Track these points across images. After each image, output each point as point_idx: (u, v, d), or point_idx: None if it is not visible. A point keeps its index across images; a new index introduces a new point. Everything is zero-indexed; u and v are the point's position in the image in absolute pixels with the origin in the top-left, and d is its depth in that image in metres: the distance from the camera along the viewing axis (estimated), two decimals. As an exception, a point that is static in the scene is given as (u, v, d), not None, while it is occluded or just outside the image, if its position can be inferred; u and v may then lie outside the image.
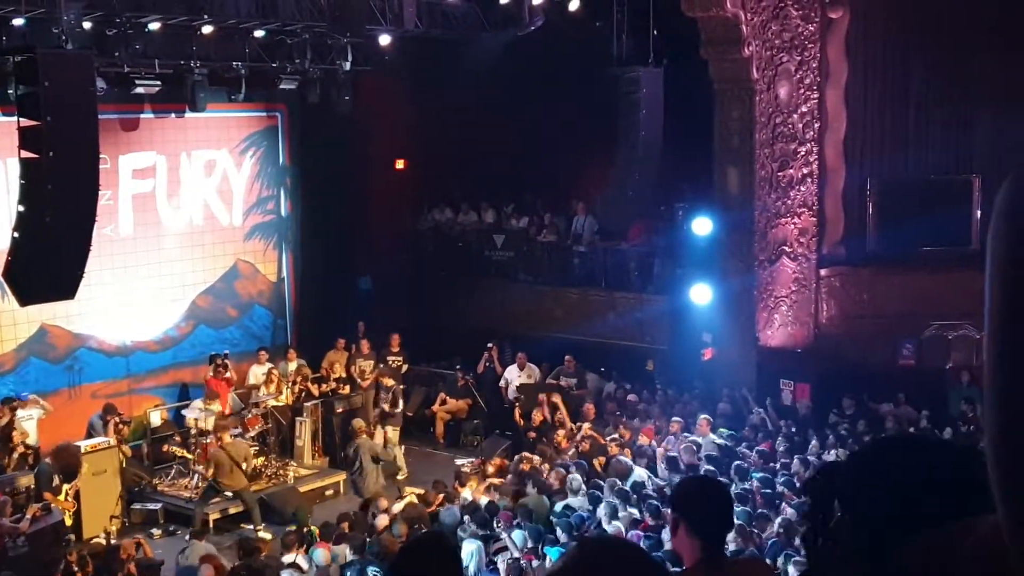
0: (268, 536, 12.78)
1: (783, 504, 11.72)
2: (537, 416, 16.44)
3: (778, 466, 13.31)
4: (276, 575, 10.98)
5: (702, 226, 16.73)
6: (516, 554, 10.62)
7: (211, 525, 14.40)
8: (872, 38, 17.11)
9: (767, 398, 15.80)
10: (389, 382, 17.30)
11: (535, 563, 10.36)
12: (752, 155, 16.35)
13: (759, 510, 11.49)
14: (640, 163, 16.80)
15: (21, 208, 11.11)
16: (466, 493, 13.36)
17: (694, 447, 13.95)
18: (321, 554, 11.19)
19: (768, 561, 9.66)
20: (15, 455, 14.39)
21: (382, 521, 12.33)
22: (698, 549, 3.56)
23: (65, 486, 13.49)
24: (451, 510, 12.04)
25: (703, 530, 3.57)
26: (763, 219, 16.57)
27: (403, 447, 17.20)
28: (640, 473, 13.32)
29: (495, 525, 11.49)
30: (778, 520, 10.92)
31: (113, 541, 13.03)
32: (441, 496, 13.31)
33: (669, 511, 3.78)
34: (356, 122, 18.89)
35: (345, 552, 11.25)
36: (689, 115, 16.82)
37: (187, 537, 14.02)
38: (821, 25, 16.64)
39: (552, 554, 10.16)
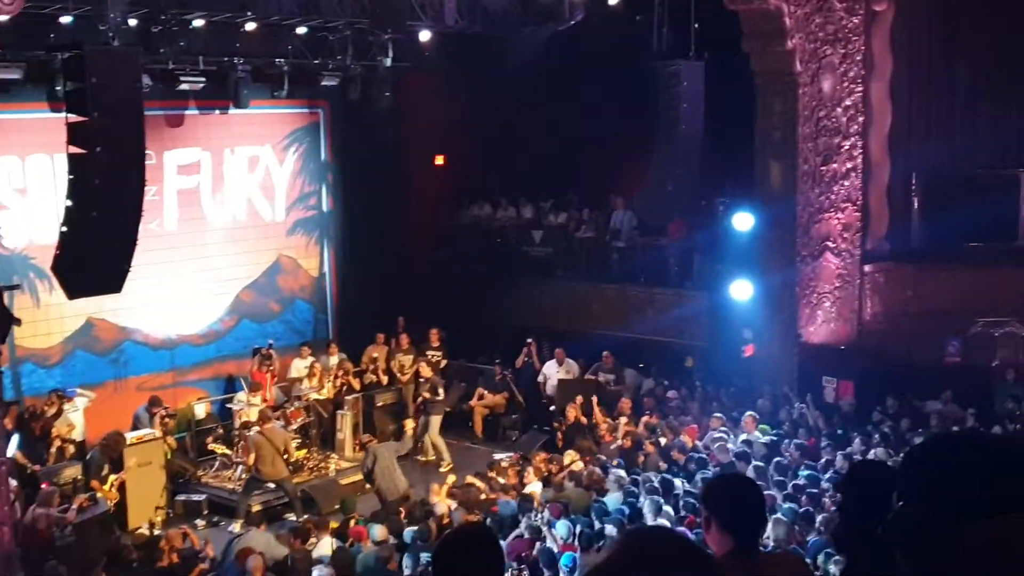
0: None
1: (825, 502, 11.65)
2: (571, 413, 16.43)
3: (822, 463, 13.24)
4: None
5: (743, 221, 16.63)
6: (553, 546, 10.66)
7: (255, 516, 14.55)
8: (917, 31, 16.97)
9: (808, 395, 15.70)
10: (427, 371, 17.36)
11: (577, 555, 10.37)
12: (795, 149, 16.23)
13: (804, 508, 11.43)
14: (680, 158, 16.73)
15: (69, 203, 11.25)
16: (535, 487, 13.36)
17: (727, 445, 13.90)
18: (378, 530, 11.32)
19: (808, 560, 9.62)
20: (54, 448, 14.59)
21: (441, 508, 12.37)
22: (730, 545, 3.56)
23: (112, 476, 13.67)
24: (508, 501, 12.08)
25: (734, 527, 3.57)
26: (806, 214, 16.46)
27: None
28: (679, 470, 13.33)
29: (540, 516, 11.52)
30: (820, 518, 10.85)
31: (158, 532, 13.17)
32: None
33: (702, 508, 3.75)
34: (396, 118, 18.99)
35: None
36: (730, 109, 16.72)
37: (230, 528, 14.23)
38: (865, 18, 16.51)
39: (565, 560, 10.12)
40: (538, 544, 10.71)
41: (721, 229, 17.53)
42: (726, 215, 17.34)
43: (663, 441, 14.73)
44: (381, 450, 14.70)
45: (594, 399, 16.38)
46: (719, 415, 15.29)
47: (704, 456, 13.72)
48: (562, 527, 10.84)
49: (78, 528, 12.19)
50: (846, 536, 3.99)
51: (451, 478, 14.63)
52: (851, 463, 12.85)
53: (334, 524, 12.49)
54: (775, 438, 14.16)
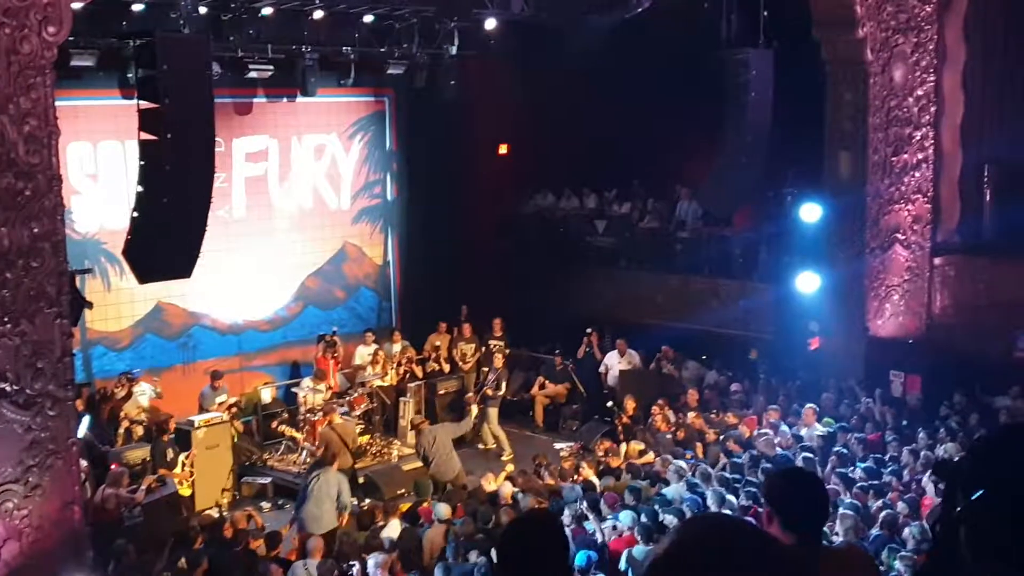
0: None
1: (888, 497, 11.50)
2: (631, 404, 16.39)
3: (887, 457, 13.08)
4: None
5: (811, 212, 16.44)
6: (600, 536, 10.66)
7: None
8: (991, 20, 16.62)
9: (876, 389, 15.50)
10: (499, 362, 17.39)
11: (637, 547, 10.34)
12: (865, 139, 15.98)
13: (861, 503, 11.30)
14: (747, 147, 16.54)
15: (140, 189, 11.38)
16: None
17: (772, 439, 13.78)
18: (443, 508, 11.40)
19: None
20: (122, 429, 14.83)
21: (506, 491, 12.41)
22: (792, 542, 3.51)
23: (181, 456, 13.85)
24: (573, 488, 12.08)
25: (796, 522, 3.52)
26: (875, 205, 16.21)
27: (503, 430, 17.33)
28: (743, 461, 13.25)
29: (601, 506, 11.50)
30: (882, 514, 10.72)
31: (224, 513, 13.34)
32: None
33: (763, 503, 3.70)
34: (461, 107, 19.01)
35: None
36: (799, 98, 16.51)
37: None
38: (938, 6, 16.20)
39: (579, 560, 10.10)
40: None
41: (788, 220, 17.36)
42: (793, 206, 17.17)
43: (716, 434, 14.66)
44: (439, 431, 14.80)
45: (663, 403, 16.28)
46: (776, 407, 15.16)
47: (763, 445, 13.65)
48: (626, 517, 10.82)
49: (146, 508, 12.37)
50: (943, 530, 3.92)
51: (509, 467, 14.70)
52: (924, 459, 12.72)
53: (404, 507, 12.59)
54: (832, 431, 14.00)
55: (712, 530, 1.88)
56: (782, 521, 3.50)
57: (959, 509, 3.12)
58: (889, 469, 12.51)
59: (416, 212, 19.88)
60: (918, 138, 16.28)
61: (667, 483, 12.41)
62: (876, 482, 11.96)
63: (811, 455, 12.75)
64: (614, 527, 10.88)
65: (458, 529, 11.09)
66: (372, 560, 10.33)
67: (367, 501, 14.24)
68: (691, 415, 15.49)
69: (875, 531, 10.27)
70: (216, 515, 13.27)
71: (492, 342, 18.65)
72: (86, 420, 12.83)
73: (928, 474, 12.00)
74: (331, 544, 11.62)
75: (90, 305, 11.90)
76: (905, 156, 16.22)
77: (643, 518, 10.82)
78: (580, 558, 9.77)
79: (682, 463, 12.94)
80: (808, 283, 16.45)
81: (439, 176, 19.36)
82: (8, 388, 7.77)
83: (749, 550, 1.81)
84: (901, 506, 11.11)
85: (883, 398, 15.30)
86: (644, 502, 11.57)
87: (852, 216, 16.21)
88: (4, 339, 7.76)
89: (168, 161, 11.18)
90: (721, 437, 14.47)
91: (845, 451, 13.01)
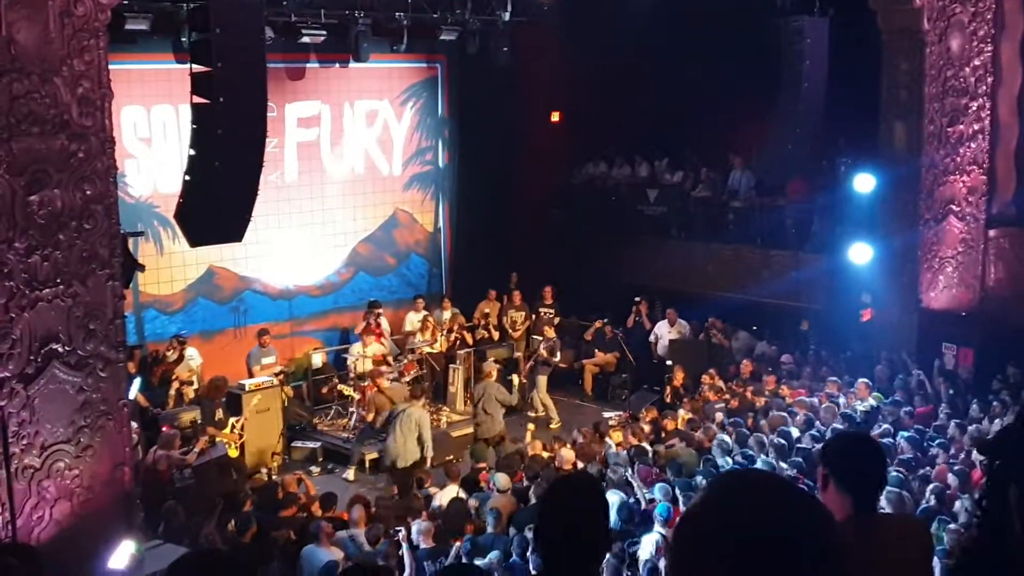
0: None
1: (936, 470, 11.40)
2: (680, 374, 16.35)
3: (931, 431, 12.95)
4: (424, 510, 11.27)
5: (865, 183, 16.23)
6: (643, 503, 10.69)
7: (368, 465, 14.86)
8: (1053, -12, 16.25)
9: (936, 361, 15.32)
10: (550, 332, 17.43)
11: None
12: (920, 109, 15.73)
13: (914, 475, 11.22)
14: (802, 116, 16.36)
15: (192, 152, 11.46)
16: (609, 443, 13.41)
17: (834, 410, 13.68)
18: (502, 478, 11.48)
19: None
20: (173, 392, 15.02)
21: (567, 456, 12.47)
22: (848, 506, 3.49)
23: (232, 419, 14.01)
24: (620, 453, 12.10)
25: (853, 486, 3.50)
26: (930, 176, 15.97)
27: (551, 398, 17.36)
28: (792, 431, 13.19)
29: (634, 475, 11.52)
30: (931, 487, 10.62)
31: (274, 477, 13.50)
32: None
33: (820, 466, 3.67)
34: (514, 74, 18.94)
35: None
36: (854, 67, 16.28)
37: (344, 475, 14.55)
38: (997, -25, 15.88)
39: (660, 509, 10.09)
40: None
41: (842, 190, 17.16)
42: (847, 176, 16.96)
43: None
44: (489, 387, 15.03)
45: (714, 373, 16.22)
46: (835, 379, 15.04)
47: (812, 417, 13.56)
48: (659, 490, 10.82)
49: (197, 471, 12.54)
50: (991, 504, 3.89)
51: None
52: (971, 433, 12.59)
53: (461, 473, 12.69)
54: (885, 403, 13.86)
55: (744, 483, 1.85)
56: (837, 481, 3.49)
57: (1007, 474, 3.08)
58: (937, 442, 12.39)
59: (467, 179, 19.87)
60: (974, 109, 15.98)
61: (710, 454, 12.40)
62: (923, 456, 11.89)
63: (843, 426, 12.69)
64: (650, 501, 10.91)
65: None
66: (416, 527, 10.44)
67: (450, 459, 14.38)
68: (750, 387, 15.44)
69: (924, 504, 10.19)
70: (266, 478, 13.44)
71: (542, 310, 18.70)
72: (137, 382, 13.01)
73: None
74: (405, 481, 12.10)
75: (142, 268, 12.03)
76: (961, 127, 15.94)
77: (677, 492, 10.84)
78: (661, 509, 9.93)
79: (726, 437, 12.90)
80: (861, 254, 16.27)
81: (491, 143, 19.32)
82: (60, 349, 7.88)
83: (779, 503, 1.77)
84: (951, 479, 11.02)
85: (938, 370, 15.15)
86: (690, 473, 11.55)
87: (906, 187, 15.99)
88: (57, 300, 7.87)
89: (220, 125, 11.22)
90: (770, 408, 14.39)
91: (890, 426, 12.87)
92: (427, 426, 13.94)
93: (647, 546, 9.40)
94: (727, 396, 15.31)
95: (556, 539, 3.03)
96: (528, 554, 9.20)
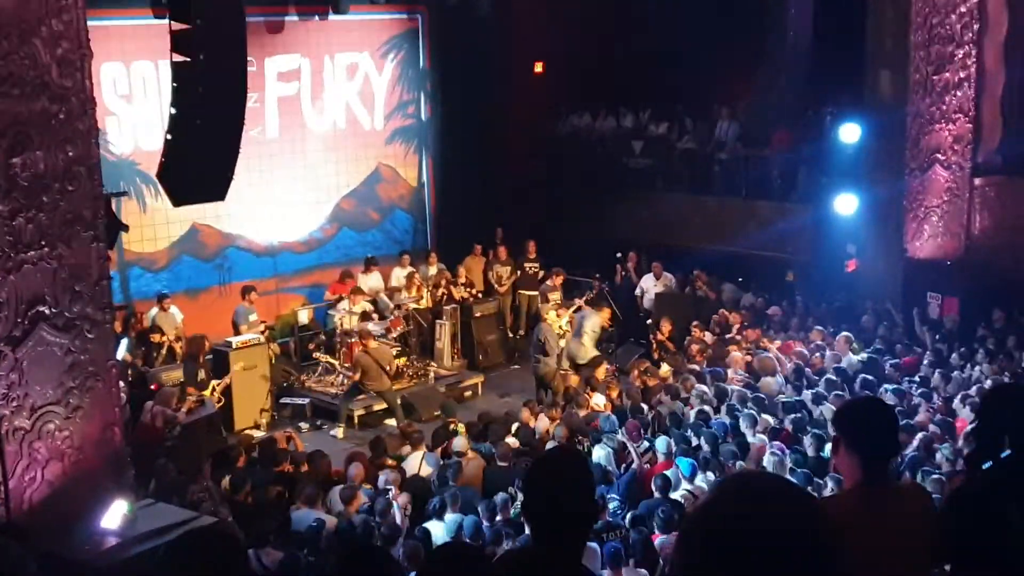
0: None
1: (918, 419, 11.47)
2: (666, 327, 16.37)
3: (917, 379, 13.01)
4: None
5: (850, 133, 16.21)
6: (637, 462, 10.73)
7: (356, 421, 14.88)
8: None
9: (916, 309, 15.40)
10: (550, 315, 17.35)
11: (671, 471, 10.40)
12: (906, 58, 15.67)
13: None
14: (787, 66, 16.32)
15: (173, 111, 11.32)
16: (597, 399, 13.41)
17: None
18: (460, 441, 11.45)
19: (908, 475, 9.50)
20: (163, 350, 14.97)
21: (543, 424, 12.48)
22: (859, 470, 3.50)
23: (213, 382, 13.97)
24: (610, 417, 12.12)
25: (863, 450, 3.51)
26: (916, 125, 15.94)
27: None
28: (778, 380, 13.26)
29: (622, 434, 11.54)
30: (919, 436, 10.68)
31: (263, 434, 13.49)
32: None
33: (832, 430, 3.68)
34: (496, 24, 18.78)
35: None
36: (840, 15, 16.21)
37: (332, 433, 14.56)
38: (983, -80, 15.77)
39: (683, 465, 10.15)
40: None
41: (827, 140, 17.14)
42: (833, 126, 16.93)
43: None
44: (548, 331, 15.15)
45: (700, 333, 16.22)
46: (820, 328, 15.09)
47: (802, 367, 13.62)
48: (661, 443, 10.87)
49: (186, 428, 12.52)
50: (978, 458, 3.92)
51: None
52: (956, 380, 12.67)
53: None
54: (870, 357, 13.86)
55: (749, 491, 1.88)
56: (847, 445, 3.49)
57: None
58: (919, 391, 12.46)
59: (450, 132, 19.71)
60: (960, 56, 15.92)
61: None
62: (903, 407, 11.94)
63: (835, 379, 12.73)
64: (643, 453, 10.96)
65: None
66: (383, 476, 10.47)
67: (405, 422, 14.37)
68: (731, 338, 15.47)
69: (912, 452, 10.25)
70: (256, 435, 13.43)
71: (527, 264, 18.66)
72: (125, 342, 12.97)
73: (960, 396, 11.98)
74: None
75: (126, 228, 11.96)
76: (947, 75, 15.89)
77: (672, 444, 10.90)
78: (684, 465, 10.02)
79: (704, 387, 12.96)
80: (846, 204, 16.30)
81: (473, 96, 19.17)
82: (47, 311, 7.83)
83: (786, 514, 1.81)
84: (933, 428, 11.10)
85: (920, 318, 15.22)
86: (682, 428, 11.60)
87: (892, 136, 15.98)
88: (42, 263, 7.80)
89: (201, 83, 11.07)
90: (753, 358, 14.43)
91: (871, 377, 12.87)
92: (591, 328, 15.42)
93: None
94: (711, 348, 15.33)
95: (542, 513, 3.07)
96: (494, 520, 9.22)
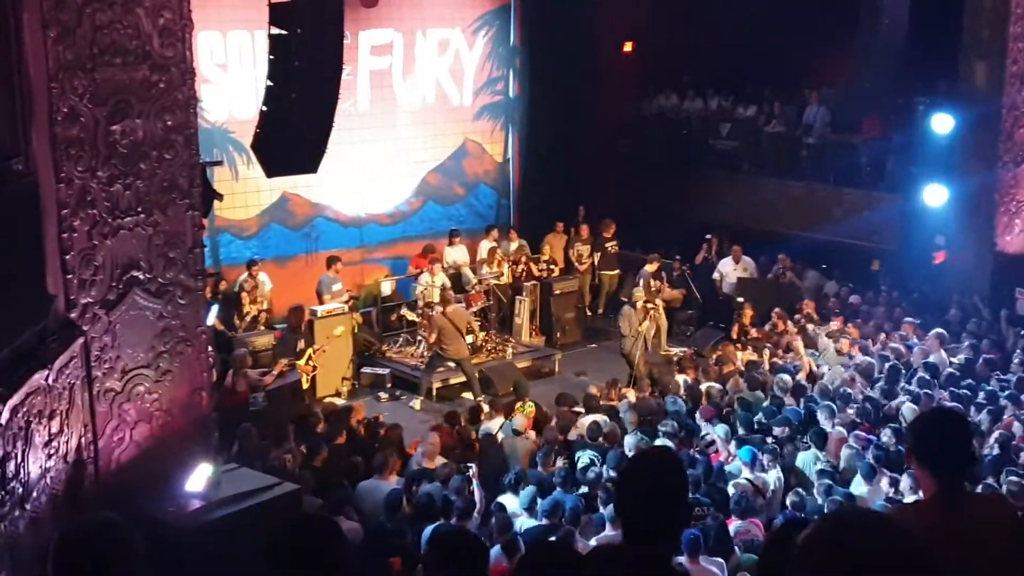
0: (486, 407, 13.18)
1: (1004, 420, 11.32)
2: (748, 312, 16.30)
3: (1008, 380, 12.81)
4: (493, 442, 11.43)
5: (943, 123, 15.95)
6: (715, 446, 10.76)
7: (435, 394, 15.08)
8: None
9: (1004, 311, 15.13)
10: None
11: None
12: (1003, 48, 15.38)
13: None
14: (880, 53, 16.10)
15: (269, 83, 11.51)
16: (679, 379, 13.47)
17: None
18: (520, 420, 11.59)
19: (990, 478, 9.41)
20: (248, 317, 15.23)
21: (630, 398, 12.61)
22: (933, 482, 3.51)
23: (309, 350, 14.21)
24: (676, 400, 12.16)
25: (937, 465, 3.51)
26: (1010, 118, 15.65)
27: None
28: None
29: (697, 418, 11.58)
30: (995, 434, 10.57)
31: (344, 402, 13.72)
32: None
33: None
34: (586, 3, 18.73)
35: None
36: (936, 3, 15.92)
37: (411, 404, 14.77)
38: (1091, -89, 15.35)
39: (743, 455, 10.16)
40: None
41: (918, 130, 16.89)
42: (925, 115, 16.68)
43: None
44: (629, 316, 15.28)
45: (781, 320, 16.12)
46: (910, 320, 14.90)
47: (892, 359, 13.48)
48: (720, 429, 10.89)
49: (271, 394, 12.79)
50: None
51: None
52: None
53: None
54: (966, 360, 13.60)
55: (849, 530, 1.98)
56: (919, 458, 3.52)
57: None
58: (1007, 393, 12.27)
59: (538, 110, 19.73)
60: (1058, 50, 15.58)
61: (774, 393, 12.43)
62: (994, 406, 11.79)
63: (928, 376, 12.58)
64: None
65: (547, 436, 11.27)
66: (420, 449, 10.64)
67: (482, 396, 14.55)
68: (810, 327, 15.37)
69: (988, 453, 10.15)
70: (337, 403, 13.66)
71: (608, 246, 18.67)
72: (215, 308, 13.24)
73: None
74: None
75: (220, 197, 12.21)
76: (1044, 67, 15.55)
77: (740, 430, 10.92)
78: (744, 452, 10.04)
79: (786, 376, 12.91)
80: (936, 196, 16.07)
81: (562, 73, 19.18)
82: (141, 276, 8.05)
83: (883, 547, 1.92)
84: (1017, 427, 10.96)
85: (1008, 318, 14.96)
86: (755, 412, 11.61)
87: (985, 128, 15.70)
88: (138, 229, 8.02)
89: (297, 56, 11.26)
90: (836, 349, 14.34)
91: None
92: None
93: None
94: (792, 336, 15.25)
95: (635, 515, 3.14)
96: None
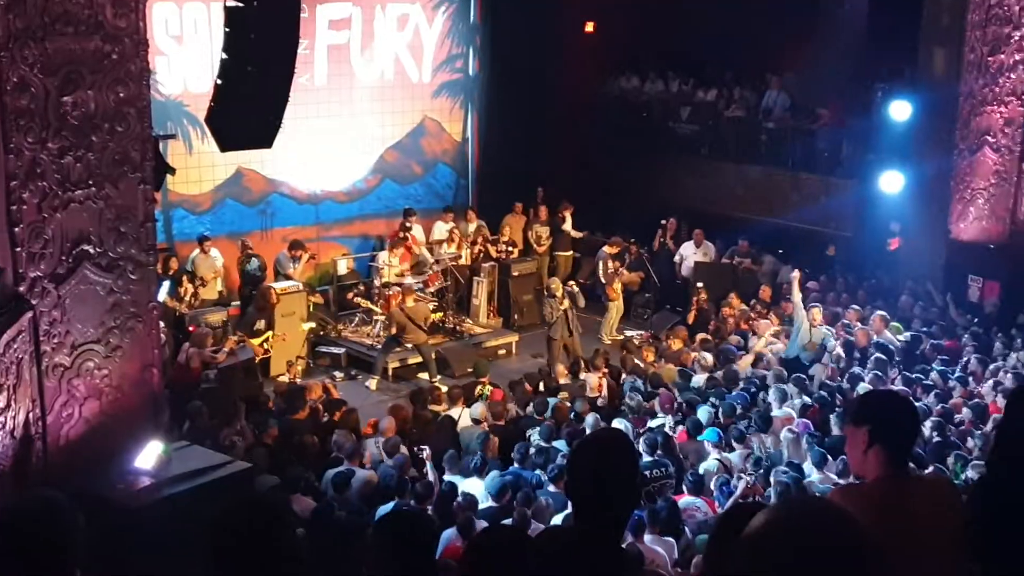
0: (444, 388, 13.13)
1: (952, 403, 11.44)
2: (703, 296, 16.35)
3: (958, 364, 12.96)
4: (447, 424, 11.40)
5: (900, 110, 16.04)
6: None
7: (391, 374, 14.99)
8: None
9: (949, 294, 15.30)
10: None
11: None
12: (962, 36, 15.46)
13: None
14: (840, 39, 16.11)
15: (224, 56, 11.33)
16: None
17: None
18: (479, 408, 11.54)
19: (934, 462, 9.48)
20: (201, 292, 15.07)
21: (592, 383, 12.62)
22: (883, 462, 3.50)
23: (268, 333, 14.06)
24: (635, 382, 12.17)
25: (890, 442, 3.51)
26: (967, 106, 15.74)
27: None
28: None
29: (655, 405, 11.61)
30: (929, 422, 10.64)
31: (299, 381, 13.62)
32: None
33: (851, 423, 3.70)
34: (548, -20, 18.65)
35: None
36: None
37: (367, 384, 14.68)
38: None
39: (710, 435, 10.21)
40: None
41: (876, 116, 16.97)
42: (883, 102, 16.75)
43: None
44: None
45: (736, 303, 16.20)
46: (856, 308, 15.01)
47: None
48: (703, 412, 10.92)
49: (222, 372, 12.63)
50: (1000, 457, 3.92)
51: None
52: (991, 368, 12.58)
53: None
54: (911, 338, 13.78)
55: (806, 520, 1.97)
56: (872, 436, 3.49)
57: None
58: (956, 375, 12.40)
59: (497, 89, 19.58)
60: (1017, 38, 15.64)
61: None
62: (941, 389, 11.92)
63: (884, 357, 12.67)
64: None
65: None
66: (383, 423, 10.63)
67: (438, 377, 14.49)
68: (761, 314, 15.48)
69: (937, 437, 10.22)
70: (289, 382, 13.55)
71: (565, 228, 18.65)
72: (166, 284, 13.09)
73: (992, 382, 11.92)
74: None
75: (173, 171, 12.02)
76: (1002, 56, 15.63)
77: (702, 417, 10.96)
78: (711, 435, 10.10)
79: (707, 355, 13.05)
80: (892, 182, 16.17)
81: (523, 53, 19.00)
82: (92, 251, 7.91)
83: (837, 546, 1.91)
84: (966, 412, 11.07)
85: (955, 300, 15.13)
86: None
87: (942, 115, 15.80)
88: (89, 202, 7.88)
89: (253, 29, 11.08)
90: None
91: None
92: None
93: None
94: (744, 321, 15.34)
95: (586, 493, 3.12)
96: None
